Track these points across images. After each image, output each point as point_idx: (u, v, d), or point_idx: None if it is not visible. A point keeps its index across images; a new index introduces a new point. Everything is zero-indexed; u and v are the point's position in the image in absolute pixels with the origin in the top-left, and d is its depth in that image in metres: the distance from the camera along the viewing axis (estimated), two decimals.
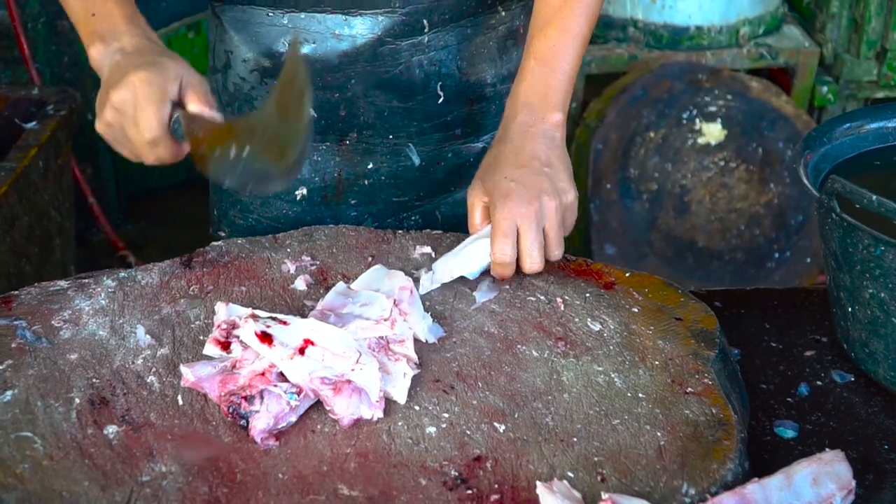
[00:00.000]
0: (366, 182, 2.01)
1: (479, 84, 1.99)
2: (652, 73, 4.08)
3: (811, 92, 4.34)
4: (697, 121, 4.05)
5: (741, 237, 4.14)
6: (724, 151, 4.08)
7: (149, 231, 4.82)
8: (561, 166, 1.72)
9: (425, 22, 1.87)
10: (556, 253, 1.68)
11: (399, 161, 2.00)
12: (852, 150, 1.82)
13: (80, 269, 3.44)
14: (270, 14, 1.88)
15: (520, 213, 1.63)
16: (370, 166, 1.99)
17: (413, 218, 2.04)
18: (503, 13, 1.98)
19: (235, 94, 1.98)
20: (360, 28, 1.86)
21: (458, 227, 1.86)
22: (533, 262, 1.64)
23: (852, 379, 1.72)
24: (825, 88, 4.32)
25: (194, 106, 1.64)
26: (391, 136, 1.97)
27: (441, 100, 1.96)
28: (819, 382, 1.71)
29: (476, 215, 1.71)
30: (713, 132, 4.05)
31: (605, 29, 4.27)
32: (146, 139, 1.62)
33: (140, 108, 1.60)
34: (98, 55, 1.70)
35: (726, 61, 4.21)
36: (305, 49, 1.87)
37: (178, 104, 1.64)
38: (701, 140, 4.06)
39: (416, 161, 1.99)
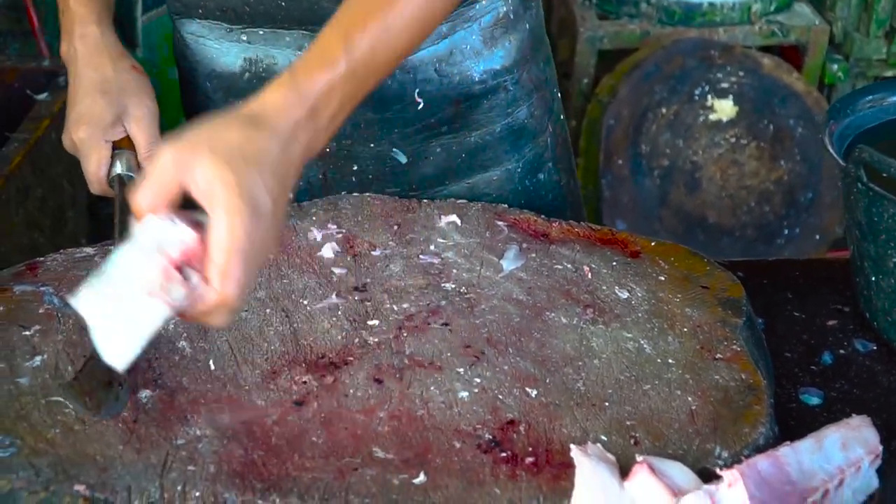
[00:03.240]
0: (353, 179, 1.93)
1: (464, 83, 1.88)
2: (664, 50, 4.08)
3: (821, 69, 4.35)
4: (709, 97, 4.05)
5: (751, 214, 4.15)
6: (736, 128, 4.08)
7: None
8: None
9: None
10: None
11: (385, 162, 1.92)
12: (875, 121, 1.82)
13: (91, 241, 3.44)
14: (229, 30, 1.82)
15: None
16: (355, 167, 1.92)
17: None
18: (483, 1, 1.85)
19: (202, 110, 1.93)
20: None
21: None
22: None
23: (874, 348, 1.73)
24: (835, 66, 4.33)
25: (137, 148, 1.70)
26: (372, 144, 1.89)
27: (421, 105, 1.87)
28: (842, 351, 1.72)
29: None
30: (725, 108, 4.06)
31: (618, 5, 4.27)
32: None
33: (83, 160, 1.69)
34: (63, 53, 1.75)
35: (738, 38, 4.21)
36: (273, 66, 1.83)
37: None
38: (712, 116, 4.07)
39: (403, 160, 1.92)
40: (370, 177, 1.93)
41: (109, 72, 1.70)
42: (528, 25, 1.94)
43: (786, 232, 4.19)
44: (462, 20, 1.84)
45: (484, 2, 1.85)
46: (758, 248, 4.16)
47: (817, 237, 4.19)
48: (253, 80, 1.83)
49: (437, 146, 1.92)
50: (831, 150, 1.67)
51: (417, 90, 1.85)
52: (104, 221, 4.41)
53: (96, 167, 1.69)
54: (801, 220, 4.17)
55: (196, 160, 1.22)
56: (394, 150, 1.90)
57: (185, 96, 2.00)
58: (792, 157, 4.10)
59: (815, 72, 4.30)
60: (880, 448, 1.41)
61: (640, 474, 1.23)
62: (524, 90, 1.95)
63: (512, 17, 1.89)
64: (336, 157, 1.91)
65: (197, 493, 1.24)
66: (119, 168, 1.70)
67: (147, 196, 1.24)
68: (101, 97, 1.67)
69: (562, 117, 2.10)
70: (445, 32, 1.83)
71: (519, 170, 1.98)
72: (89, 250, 1.67)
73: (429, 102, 1.87)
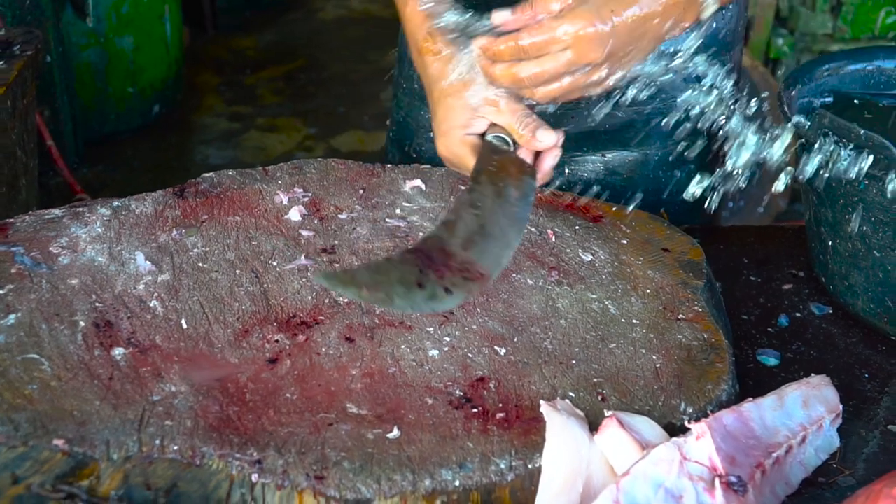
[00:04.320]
0: None
1: None
2: None
3: (766, 44, 4.40)
4: None
5: None
6: None
7: (106, 175, 4.81)
8: None
9: None
10: None
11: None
12: (833, 89, 1.87)
13: (42, 209, 3.43)
14: None
15: None
16: None
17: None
18: None
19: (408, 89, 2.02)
20: None
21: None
22: None
23: (830, 311, 1.77)
24: (780, 41, 4.38)
25: None
26: None
27: None
28: (798, 314, 1.76)
29: None
30: None
31: None
32: None
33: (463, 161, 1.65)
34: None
35: None
36: None
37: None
38: None
39: (551, 108, 1.80)
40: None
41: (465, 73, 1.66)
42: (719, 24, 1.94)
43: (730, 204, 4.24)
44: None
45: None
46: (703, 221, 4.21)
47: (761, 210, 4.25)
48: None
49: (584, 107, 1.93)
50: (789, 116, 1.71)
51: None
52: (52, 191, 4.40)
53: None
54: (747, 193, 4.23)
55: None
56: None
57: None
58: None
59: (760, 46, 4.35)
60: (840, 407, 1.45)
61: (610, 428, 1.27)
62: (685, 83, 1.93)
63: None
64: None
65: (175, 447, 1.25)
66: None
67: None
68: (464, 103, 1.65)
69: None
70: None
71: (656, 157, 2.00)
72: (58, 212, 1.68)
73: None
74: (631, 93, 1.73)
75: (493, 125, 1.63)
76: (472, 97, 1.62)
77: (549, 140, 1.59)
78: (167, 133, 5.44)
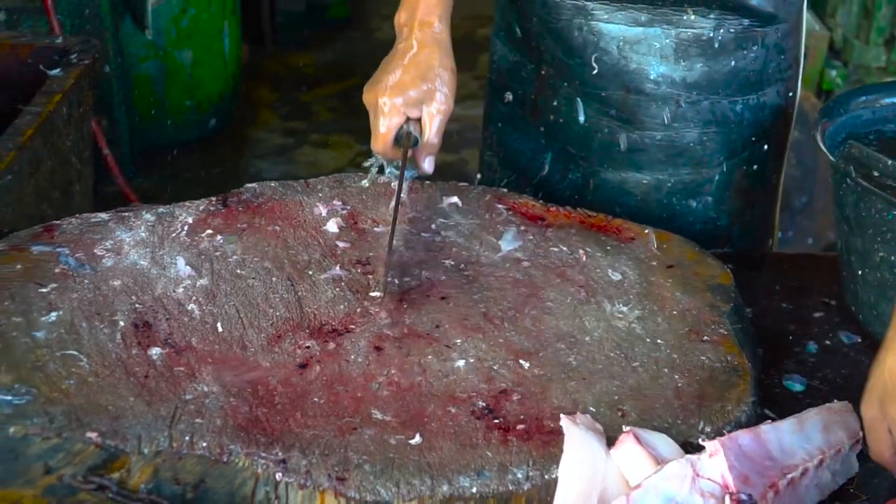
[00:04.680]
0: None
1: (638, 74, 1.95)
2: None
3: (820, 75, 4.40)
4: None
5: None
6: None
7: (160, 185, 4.88)
8: None
9: None
10: None
11: (562, 112, 2.05)
12: (868, 121, 1.88)
13: None
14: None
15: None
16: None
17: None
18: (692, 17, 1.91)
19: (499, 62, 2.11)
20: None
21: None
22: None
23: (859, 340, 1.78)
24: (834, 72, 4.38)
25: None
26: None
27: (595, 71, 1.96)
28: (827, 342, 1.78)
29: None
30: None
31: None
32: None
33: (377, 119, 1.80)
34: (398, 22, 1.87)
35: None
36: None
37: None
38: None
39: (581, 119, 2.02)
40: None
41: (435, 64, 1.80)
42: (736, 62, 1.96)
43: (780, 235, 4.24)
44: (663, 22, 1.92)
45: (692, 17, 1.91)
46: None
47: (810, 241, 4.24)
48: None
49: (605, 124, 2.00)
50: (822, 146, 1.73)
51: (595, 55, 1.95)
52: (107, 199, 4.47)
53: (387, 129, 1.79)
54: (795, 224, 4.22)
55: None
56: (578, 98, 2.00)
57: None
58: (787, 161, 4.15)
59: (813, 77, 4.35)
60: (861, 433, 1.46)
61: (626, 443, 1.29)
62: (699, 116, 1.98)
63: (719, 45, 1.93)
64: None
65: (204, 444, 1.30)
66: (409, 129, 1.83)
67: None
68: (419, 79, 1.79)
69: (758, 170, 2.11)
70: (644, 22, 1.91)
71: (669, 184, 2.03)
72: (104, 215, 1.73)
73: (603, 72, 1.96)
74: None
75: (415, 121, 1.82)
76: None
77: (430, 167, 1.83)
78: (222, 146, 5.51)
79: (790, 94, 2.06)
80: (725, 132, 1.99)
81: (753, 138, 2.03)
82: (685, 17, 1.89)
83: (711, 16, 1.89)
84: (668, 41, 1.91)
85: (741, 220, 2.11)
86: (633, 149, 1.98)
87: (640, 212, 1.96)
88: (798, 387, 1.66)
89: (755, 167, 2.06)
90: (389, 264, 1.64)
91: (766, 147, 2.05)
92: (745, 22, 1.90)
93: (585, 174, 2.04)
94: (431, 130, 1.79)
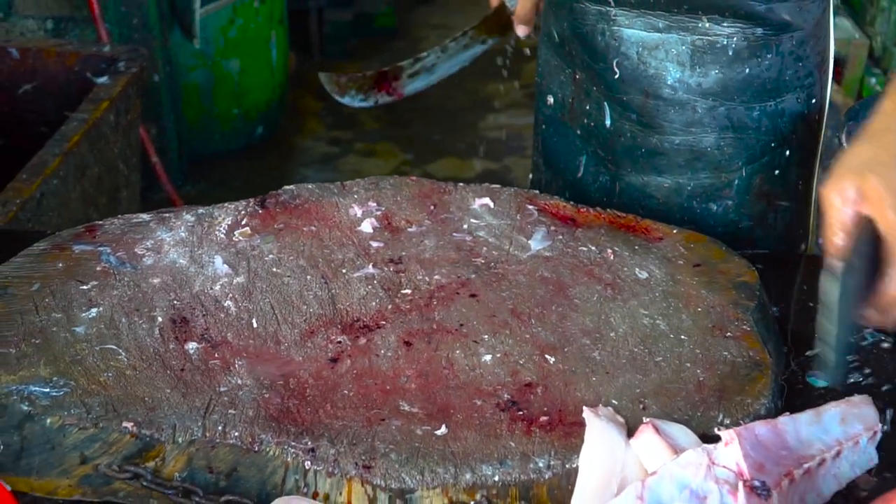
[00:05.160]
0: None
1: (656, 79, 1.97)
2: None
3: (860, 82, 4.41)
4: None
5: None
6: None
7: (207, 193, 4.96)
8: None
9: None
10: None
11: (591, 116, 2.11)
12: None
13: None
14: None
15: None
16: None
17: None
18: (707, 24, 1.93)
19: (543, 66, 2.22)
20: None
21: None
22: None
23: (883, 338, 1.80)
24: (874, 80, 4.39)
25: None
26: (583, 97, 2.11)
27: (617, 75, 1.99)
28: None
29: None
30: None
31: None
32: None
33: None
34: None
35: None
36: None
37: None
38: None
39: (607, 123, 2.06)
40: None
41: None
42: (750, 69, 1.98)
43: (819, 241, 4.24)
44: (678, 28, 1.94)
45: (707, 24, 1.93)
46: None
47: None
48: None
49: (628, 127, 2.04)
50: (847, 147, 1.76)
51: (617, 60, 1.99)
52: (155, 206, 4.56)
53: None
54: None
55: None
56: (605, 101, 2.06)
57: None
58: (829, 167, 4.16)
59: (853, 84, 4.37)
60: (879, 426, 1.49)
61: (645, 434, 1.33)
62: (716, 122, 2.00)
63: (733, 52, 1.96)
64: None
65: (236, 434, 1.35)
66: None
67: None
68: None
69: (780, 175, 2.10)
70: (661, 28, 1.94)
71: (689, 187, 2.05)
72: (145, 216, 1.79)
73: (624, 77, 1.99)
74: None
75: None
76: None
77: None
78: (269, 154, 5.59)
79: (813, 100, 2.07)
80: (743, 138, 2.01)
81: (773, 144, 2.04)
82: (700, 25, 1.91)
83: (725, 24, 1.91)
84: (684, 48, 1.94)
85: (763, 224, 2.12)
86: (653, 153, 2.01)
87: (662, 214, 1.99)
88: (822, 382, 1.69)
89: (777, 172, 2.07)
90: None
91: (787, 153, 2.06)
92: (759, 31, 1.92)
93: (613, 177, 2.07)
94: None
